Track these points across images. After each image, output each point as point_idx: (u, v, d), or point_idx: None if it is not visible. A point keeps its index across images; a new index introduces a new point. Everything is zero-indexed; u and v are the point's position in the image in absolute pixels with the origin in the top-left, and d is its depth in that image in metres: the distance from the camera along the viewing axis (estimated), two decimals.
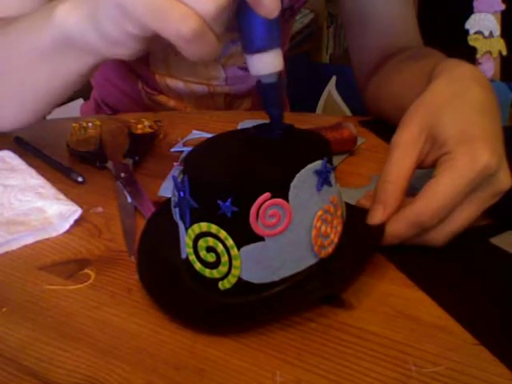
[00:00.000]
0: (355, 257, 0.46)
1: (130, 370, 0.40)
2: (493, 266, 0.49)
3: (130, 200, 0.58)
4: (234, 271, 0.43)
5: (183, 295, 0.46)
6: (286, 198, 0.42)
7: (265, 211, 0.41)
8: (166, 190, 0.59)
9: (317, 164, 0.43)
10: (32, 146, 0.68)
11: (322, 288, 0.44)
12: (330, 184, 0.44)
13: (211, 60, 0.46)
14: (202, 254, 0.44)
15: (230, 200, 0.41)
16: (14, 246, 0.52)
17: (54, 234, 0.54)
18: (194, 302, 0.45)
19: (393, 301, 0.45)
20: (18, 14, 0.60)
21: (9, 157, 0.64)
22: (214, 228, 0.42)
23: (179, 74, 0.86)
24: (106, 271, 0.49)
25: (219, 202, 0.41)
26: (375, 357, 0.41)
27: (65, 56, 0.55)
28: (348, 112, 1.25)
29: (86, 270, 0.49)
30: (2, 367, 0.40)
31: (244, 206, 0.41)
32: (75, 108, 1.13)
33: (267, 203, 0.41)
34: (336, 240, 0.46)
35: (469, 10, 0.94)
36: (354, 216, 0.49)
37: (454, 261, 0.48)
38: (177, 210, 0.45)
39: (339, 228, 0.46)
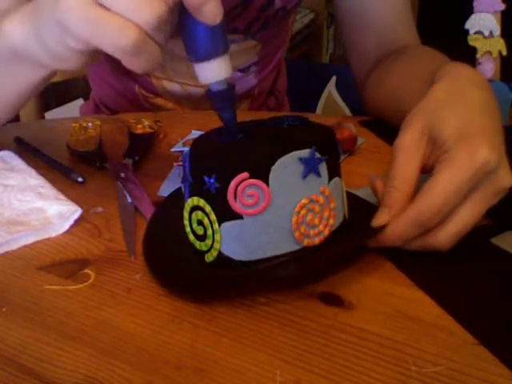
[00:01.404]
0: (340, 252, 0.47)
1: (131, 369, 0.40)
2: (493, 266, 0.49)
3: (129, 200, 0.58)
4: (216, 245, 0.45)
5: (179, 264, 0.48)
6: (265, 181, 0.43)
7: (243, 190, 0.43)
8: (166, 190, 0.59)
9: (304, 152, 0.44)
10: (32, 146, 0.68)
11: (293, 274, 0.46)
12: (318, 174, 0.45)
13: (152, 70, 0.44)
14: (194, 226, 0.46)
15: (214, 176, 0.43)
16: (14, 246, 0.52)
17: (54, 234, 0.54)
18: (185, 272, 0.48)
19: (393, 301, 0.45)
20: None
21: (9, 157, 0.64)
22: (201, 202, 0.45)
23: (176, 76, 0.86)
24: (105, 271, 0.49)
25: (205, 177, 0.44)
26: (375, 357, 0.41)
27: (15, 67, 0.55)
28: (348, 112, 1.24)
29: (85, 270, 0.50)
30: (1, 367, 0.40)
31: (225, 184, 0.43)
32: (75, 108, 1.13)
33: (245, 182, 0.43)
34: (326, 232, 0.46)
35: (469, 10, 0.93)
36: (360, 215, 0.49)
37: (454, 261, 0.48)
38: (183, 185, 0.47)
39: (332, 221, 0.46)
